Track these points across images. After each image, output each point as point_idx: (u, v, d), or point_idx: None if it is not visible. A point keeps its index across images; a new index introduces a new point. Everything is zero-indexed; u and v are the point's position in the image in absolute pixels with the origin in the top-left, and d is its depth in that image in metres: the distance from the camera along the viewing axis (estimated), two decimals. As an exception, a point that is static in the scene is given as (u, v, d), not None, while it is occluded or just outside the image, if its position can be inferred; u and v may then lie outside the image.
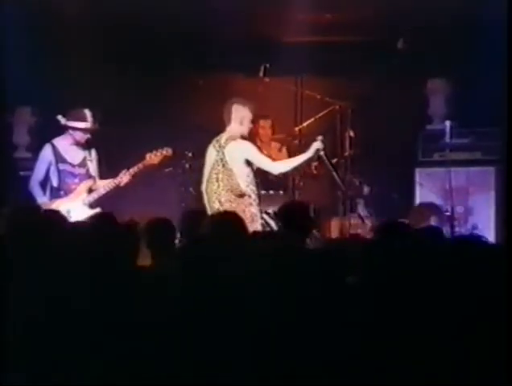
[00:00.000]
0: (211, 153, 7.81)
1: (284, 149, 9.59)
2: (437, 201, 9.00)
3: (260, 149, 8.29)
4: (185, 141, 9.39)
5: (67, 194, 8.02)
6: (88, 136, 8.02)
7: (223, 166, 7.71)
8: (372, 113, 9.31)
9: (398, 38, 9.77)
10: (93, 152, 8.16)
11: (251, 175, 7.71)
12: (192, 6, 9.14)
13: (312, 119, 8.97)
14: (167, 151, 8.18)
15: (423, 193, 9.04)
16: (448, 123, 8.47)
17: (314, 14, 9.64)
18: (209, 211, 7.68)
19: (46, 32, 9.43)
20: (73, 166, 8.09)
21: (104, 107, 9.17)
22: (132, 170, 8.03)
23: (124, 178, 8.01)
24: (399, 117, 9.27)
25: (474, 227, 8.78)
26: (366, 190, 9.25)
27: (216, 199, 7.74)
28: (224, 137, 7.75)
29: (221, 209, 7.57)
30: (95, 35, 9.38)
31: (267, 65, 8.85)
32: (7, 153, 9.97)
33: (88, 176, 8.10)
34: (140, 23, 9.46)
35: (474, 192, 9.07)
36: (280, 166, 7.81)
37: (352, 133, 8.61)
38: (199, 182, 8.30)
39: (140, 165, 8.07)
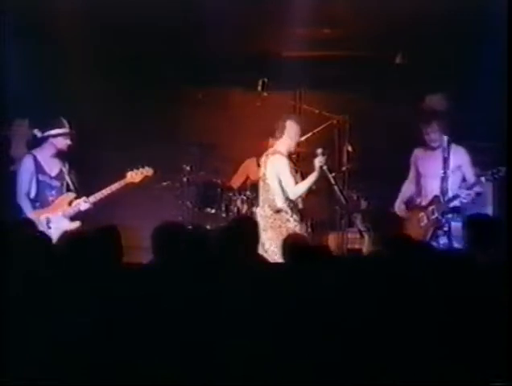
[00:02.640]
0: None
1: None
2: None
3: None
4: (183, 155, 9.40)
5: (43, 205, 8.02)
6: (69, 142, 8.07)
7: (264, 180, 7.89)
8: (370, 128, 9.30)
9: (397, 53, 9.82)
10: (67, 165, 8.17)
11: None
12: (192, 20, 9.17)
13: (310, 133, 8.97)
14: (148, 171, 8.18)
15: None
16: (445, 138, 8.44)
17: (312, 28, 9.68)
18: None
19: (43, 45, 9.43)
20: (51, 177, 8.11)
21: (102, 120, 9.20)
22: (113, 187, 8.02)
23: (105, 194, 8.01)
24: (397, 132, 9.26)
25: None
26: (364, 204, 9.24)
27: (258, 212, 7.92)
28: (270, 151, 7.99)
29: (260, 223, 7.56)
30: (93, 50, 9.39)
31: (266, 80, 8.86)
32: (5, 166, 9.94)
33: (66, 189, 8.09)
34: (139, 37, 9.47)
35: (471, 207, 9.04)
36: (297, 191, 7.87)
37: (350, 148, 8.60)
38: (197, 195, 8.33)
39: (122, 182, 8.06)
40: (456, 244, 7.89)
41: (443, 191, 8.26)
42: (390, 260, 4.43)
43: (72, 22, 9.19)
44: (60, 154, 8.14)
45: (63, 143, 8.10)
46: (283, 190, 7.81)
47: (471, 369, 3.78)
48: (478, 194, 8.22)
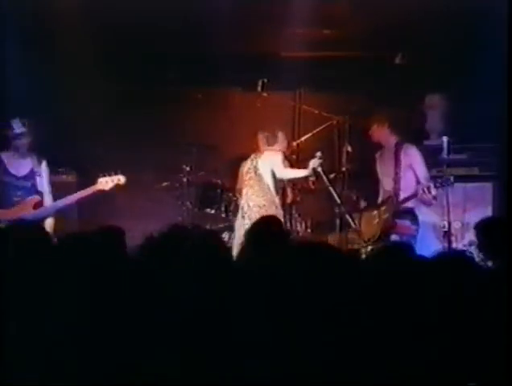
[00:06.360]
0: (246, 162, 8.68)
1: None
2: (434, 217, 8.99)
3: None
4: (183, 155, 9.40)
5: (7, 206, 7.83)
6: (25, 141, 7.87)
7: (255, 172, 8.52)
8: (369, 128, 9.30)
9: (397, 53, 9.82)
10: (44, 166, 8.04)
11: (280, 185, 8.59)
12: (192, 20, 9.17)
13: (310, 134, 8.98)
14: (119, 179, 7.90)
15: (420, 208, 9.00)
16: (445, 139, 8.45)
17: (312, 29, 9.68)
18: (241, 214, 8.48)
19: (43, 44, 9.43)
20: (17, 178, 7.94)
21: (103, 120, 9.20)
22: (82, 193, 7.85)
23: (72, 199, 7.87)
24: (397, 133, 9.25)
25: (471, 243, 8.75)
26: (363, 205, 9.23)
27: (245, 202, 8.48)
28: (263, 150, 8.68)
29: (250, 213, 8.32)
30: (93, 49, 9.39)
31: (265, 80, 8.87)
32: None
33: (35, 190, 7.96)
34: (139, 37, 9.47)
35: (471, 208, 9.06)
36: (284, 174, 8.57)
37: (349, 148, 8.62)
38: (196, 195, 8.37)
39: (90, 189, 7.86)
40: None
41: (397, 192, 8.34)
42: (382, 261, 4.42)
43: (72, 23, 9.19)
44: (29, 153, 7.95)
45: (21, 143, 7.88)
46: (278, 184, 8.49)
47: (471, 370, 3.78)
48: (434, 197, 8.22)
